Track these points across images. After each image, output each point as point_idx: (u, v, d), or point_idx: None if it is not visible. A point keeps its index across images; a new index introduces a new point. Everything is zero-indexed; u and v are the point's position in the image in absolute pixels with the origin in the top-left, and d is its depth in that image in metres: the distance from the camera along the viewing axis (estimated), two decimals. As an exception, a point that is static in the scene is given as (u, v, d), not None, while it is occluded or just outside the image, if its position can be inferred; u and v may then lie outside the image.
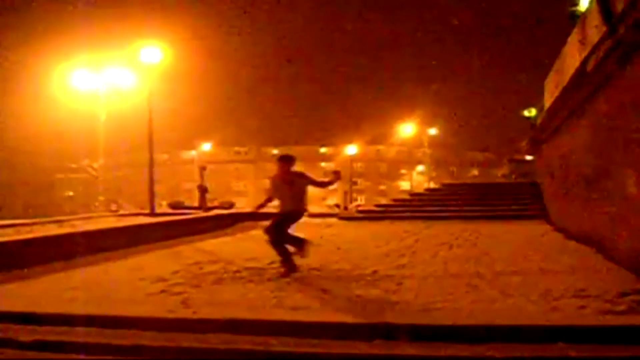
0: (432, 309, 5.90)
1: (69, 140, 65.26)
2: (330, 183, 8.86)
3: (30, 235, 11.34)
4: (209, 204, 24.41)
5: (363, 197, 66.52)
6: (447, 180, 39.61)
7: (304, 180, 8.59)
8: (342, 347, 4.61)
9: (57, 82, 35.51)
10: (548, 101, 15.69)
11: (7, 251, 9.39)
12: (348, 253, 10.55)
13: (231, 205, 39.79)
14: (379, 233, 14.53)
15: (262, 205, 8.87)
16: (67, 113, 41.29)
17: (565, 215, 14.08)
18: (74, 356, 4.66)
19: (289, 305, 6.26)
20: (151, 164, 21.83)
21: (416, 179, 71.91)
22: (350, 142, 66.71)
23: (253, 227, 14.84)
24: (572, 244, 11.24)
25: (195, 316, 5.71)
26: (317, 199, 70.04)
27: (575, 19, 12.60)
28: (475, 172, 77.65)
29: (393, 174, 79.52)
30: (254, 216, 13.59)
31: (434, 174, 65.87)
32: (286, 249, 8.44)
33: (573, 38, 11.42)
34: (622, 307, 5.62)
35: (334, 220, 21.53)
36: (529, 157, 27.20)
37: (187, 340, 4.87)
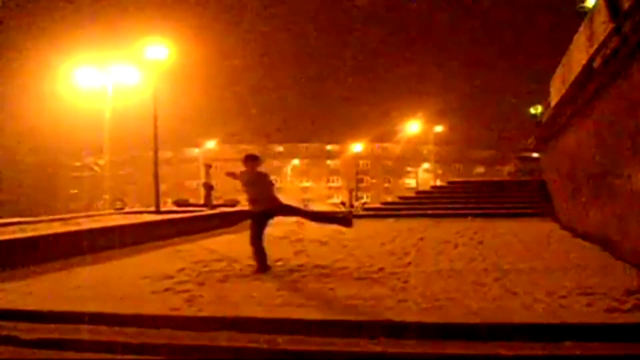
0: (438, 307, 5.88)
1: (73, 138, 65.28)
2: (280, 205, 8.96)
3: (35, 233, 11.32)
4: (214, 202, 24.37)
5: (369, 195, 66.38)
6: (453, 178, 39.51)
7: (266, 181, 8.84)
8: (347, 345, 4.60)
9: (62, 80, 35.59)
10: (554, 98, 15.63)
11: (12, 249, 9.40)
12: (354, 251, 10.51)
13: (236, 203, 39.76)
14: (384, 231, 14.48)
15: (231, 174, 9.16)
16: (72, 110, 41.32)
17: (572, 212, 14.02)
18: (78, 354, 4.66)
19: (294, 303, 6.25)
20: (156, 161, 21.83)
21: (422, 177, 71.81)
22: (356, 139, 66.72)
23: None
24: (579, 241, 11.20)
25: (200, 314, 5.71)
26: (322, 197, 70.23)
27: (583, 16, 12.52)
28: (481, 169, 77.40)
29: (399, 172, 79.36)
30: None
31: (439, 171, 65.78)
32: (263, 249, 8.53)
33: (580, 35, 11.36)
34: (628, 305, 5.59)
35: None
36: (535, 155, 27.05)
37: (192, 339, 4.87)
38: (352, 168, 66.48)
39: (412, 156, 75.51)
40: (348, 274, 8.07)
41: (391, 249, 10.83)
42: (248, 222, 9.12)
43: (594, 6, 10.48)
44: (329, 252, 10.29)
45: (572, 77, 11.74)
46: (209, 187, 24.34)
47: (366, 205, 32.14)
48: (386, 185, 76.85)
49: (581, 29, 11.27)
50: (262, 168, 9.00)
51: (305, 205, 58.58)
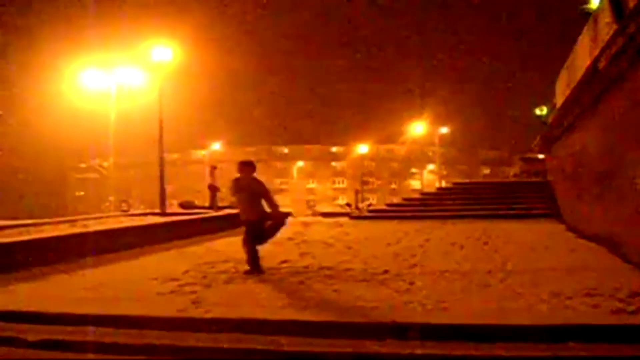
0: (443, 308, 5.89)
1: (79, 140, 65.56)
2: (277, 215, 8.83)
3: (40, 235, 11.36)
4: (220, 204, 24.38)
5: (375, 196, 66.28)
6: (458, 179, 39.42)
7: (260, 189, 8.69)
8: (352, 346, 4.60)
9: (68, 82, 35.68)
10: (560, 99, 15.61)
11: (17, 251, 9.43)
12: (359, 252, 10.53)
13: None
14: (390, 232, 14.47)
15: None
16: (77, 112, 41.46)
17: (577, 214, 13.99)
18: (83, 356, 4.67)
19: (300, 304, 6.27)
20: (162, 163, 21.84)
21: (427, 178, 71.74)
22: (361, 141, 66.67)
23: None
24: (584, 242, 11.17)
25: (206, 316, 5.72)
26: (328, 198, 70.21)
27: (587, 17, 12.51)
28: (487, 170, 77.24)
29: (404, 173, 79.30)
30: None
31: (445, 173, 65.63)
32: (255, 252, 8.50)
33: (584, 36, 11.35)
34: (633, 307, 5.58)
35: (345, 219, 21.52)
36: (540, 156, 26.98)
37: (198, 340, 4.87)
38: (357, 169, 66.37)
39: (417, 157, 75.45)
40: (353, 276, 8.08)
41: (396, 250, 10.83)
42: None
43: (598, 7, 10.47)
44: (335, 253, 10.31)
45: (576, 78, 11.72)
46: (214, 189, 24.35)
47: (371, 207, 32.12)
48: (392, 186, 76.85)
49: (585, 30, 11.26)
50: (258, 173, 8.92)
51: (312, 207, 58.71)
